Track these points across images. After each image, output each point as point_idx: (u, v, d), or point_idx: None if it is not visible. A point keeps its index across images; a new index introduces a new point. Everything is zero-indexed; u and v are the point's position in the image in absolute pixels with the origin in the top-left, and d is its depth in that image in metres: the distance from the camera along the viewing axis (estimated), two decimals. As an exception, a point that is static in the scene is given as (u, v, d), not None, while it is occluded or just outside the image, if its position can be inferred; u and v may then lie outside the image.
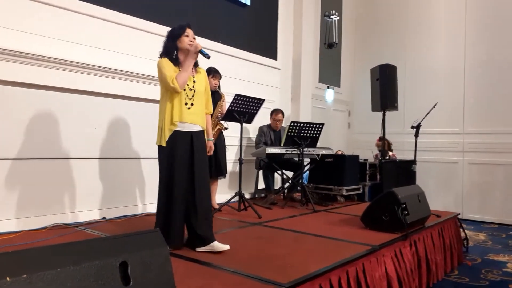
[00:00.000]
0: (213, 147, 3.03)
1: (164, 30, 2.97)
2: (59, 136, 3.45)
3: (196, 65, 2.85)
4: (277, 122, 5.20)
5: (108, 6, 3.84)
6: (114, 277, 1.28)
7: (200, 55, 2.75)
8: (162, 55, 2.77)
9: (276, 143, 5.13)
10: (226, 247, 2.62)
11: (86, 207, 3.65)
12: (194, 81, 2.76)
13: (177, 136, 2.67)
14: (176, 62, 2.72)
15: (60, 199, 3.48)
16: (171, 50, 2.75)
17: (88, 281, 1.22)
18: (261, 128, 5.21)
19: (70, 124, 3.52)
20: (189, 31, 2.76)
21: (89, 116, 3.66)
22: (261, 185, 5.28)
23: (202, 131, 2.81)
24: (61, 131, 3.47)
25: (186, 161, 2.69)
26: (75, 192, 3.59)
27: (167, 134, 2.66)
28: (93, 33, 3.73)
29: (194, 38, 2.77)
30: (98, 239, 1.35)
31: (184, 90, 2.68)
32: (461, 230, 4.32)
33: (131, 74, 3.95)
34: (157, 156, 2.73)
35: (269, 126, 5.27)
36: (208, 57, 2.75)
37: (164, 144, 2.67)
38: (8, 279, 1.08)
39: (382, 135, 5.79)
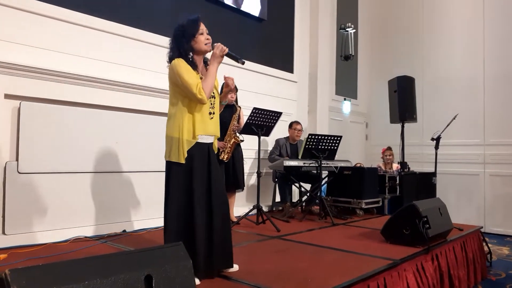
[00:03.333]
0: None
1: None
2: (77, 150, 3.52)
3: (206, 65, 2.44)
4: (298, 132, 5.22)
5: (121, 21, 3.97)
6: (139, 291, 1.30)
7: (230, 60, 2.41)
8: (174, 57, 2.29)
9: (293, 156, 5.13)
10: (235, 268, 2.48)
11: (107, 220, 3.69)
12: None
13: (194, 149, 2.30)
14: (193, 65, 2.30)
15: (80, 212, 3.53)
16: (185, 53, 2.30)
17: (114, 294, 1.24)
18: (277, 141, 5.23)
19: (88, 138, 3.58)
20: (203, 27, 2.34)
21: (107, 130, 3.72)
22: (279, 197, 5.27)
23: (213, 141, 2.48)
24: (79, 145, 3.53)
25: (205, 178, 2.35)
26: (94, 205, 3.64)
27: (185, 148, 2.26)
28: (107, 49, 3.84)
29: (209, 35, 2.37)
30: (124, 253, 1.37)
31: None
32: (484, 244, 4.22)
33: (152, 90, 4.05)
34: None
35: (286, 138, 5.28)
36: (243, 63, 2.40)
37: (182, 161, 2.26)
38: (37, 292, 1.12)
39: (400, 146, 5.73)
